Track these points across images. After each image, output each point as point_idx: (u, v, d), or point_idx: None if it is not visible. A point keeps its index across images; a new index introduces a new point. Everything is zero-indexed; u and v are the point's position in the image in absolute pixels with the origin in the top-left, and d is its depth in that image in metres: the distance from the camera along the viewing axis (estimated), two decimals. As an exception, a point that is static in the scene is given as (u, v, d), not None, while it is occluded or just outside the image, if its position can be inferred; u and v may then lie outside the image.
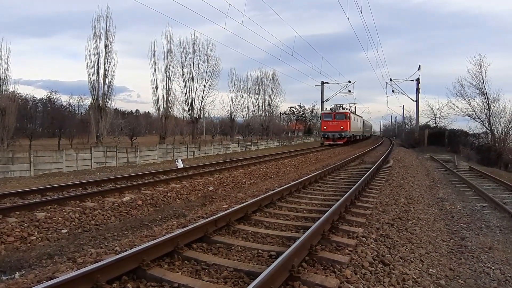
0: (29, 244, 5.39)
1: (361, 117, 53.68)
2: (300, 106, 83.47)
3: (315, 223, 5.00)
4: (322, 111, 42.43)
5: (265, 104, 54.23)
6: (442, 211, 9.40)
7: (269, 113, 55.47)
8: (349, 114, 38.91)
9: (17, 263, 4.70)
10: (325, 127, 38.14)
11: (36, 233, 5.70)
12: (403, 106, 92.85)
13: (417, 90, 42.17)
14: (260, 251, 4.42)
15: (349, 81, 45.99)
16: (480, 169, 19.80)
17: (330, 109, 39.91)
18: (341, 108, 39.45)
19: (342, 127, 36.99)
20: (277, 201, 7.39)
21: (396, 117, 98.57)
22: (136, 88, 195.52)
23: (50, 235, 5.75)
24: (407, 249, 5.17)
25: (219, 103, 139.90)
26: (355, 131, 42.90)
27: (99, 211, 6.91)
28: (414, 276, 4.17)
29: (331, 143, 36.20)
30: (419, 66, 41.82)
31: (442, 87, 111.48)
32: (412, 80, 42.22)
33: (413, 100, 43.51)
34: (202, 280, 3.59)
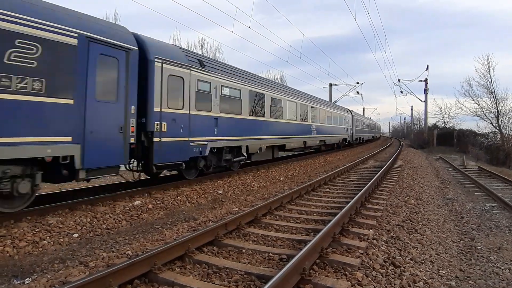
0: (41, 249, 5.45)
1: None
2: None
3: (325, 225, 5.00)
4: None
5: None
6: (452, 212, 9.32)
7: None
8: None
9: (30, 267, 4.75)
10: None
11: (48, 237, 5.75)
12: (412, 106, 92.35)
13: (426, 91, 41.79)
14: (271, 254, 4.44)
15: (357, 82, 45.78)
16: (489, 169, 19.60)
17: None
18: None
19: None
20: (287, 204, 7.39)
21: (404, 118, 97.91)
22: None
23: (62, 240, 5.80)
24: (417, 251, 5.14)
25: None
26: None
27: (110, 215, 6.97)
28: (425, 278, 4.15)
29: None
30: (427, 66, 41.45)
31: (451, 87, 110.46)
32: (420, 81, 41.89)
33: (421, 101, 43.15)
34: (213, 283, 3.62)
